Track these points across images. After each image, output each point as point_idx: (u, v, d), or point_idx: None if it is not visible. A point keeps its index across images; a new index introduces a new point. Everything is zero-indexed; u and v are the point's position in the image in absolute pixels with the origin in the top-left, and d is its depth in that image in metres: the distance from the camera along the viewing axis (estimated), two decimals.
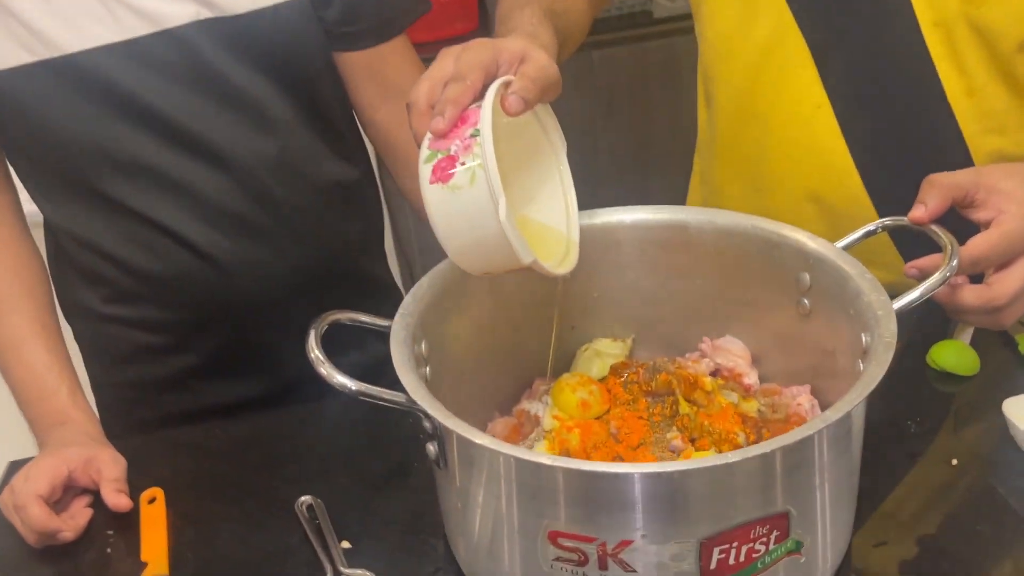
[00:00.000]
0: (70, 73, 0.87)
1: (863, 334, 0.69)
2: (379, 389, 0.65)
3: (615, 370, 0.82)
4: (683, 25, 1.89)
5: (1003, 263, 0.74)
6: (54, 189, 0.95)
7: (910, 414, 0.85)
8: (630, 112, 2.13)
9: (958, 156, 0.86)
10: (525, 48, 0.68)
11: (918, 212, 0.73)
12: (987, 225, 0.74)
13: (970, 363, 0.90)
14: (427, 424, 0.65)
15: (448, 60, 0.68)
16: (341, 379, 0.64)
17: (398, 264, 1.98)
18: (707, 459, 0.55)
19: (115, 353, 1.02)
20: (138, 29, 0.87)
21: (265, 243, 0.97)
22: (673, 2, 2.09)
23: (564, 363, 0.89)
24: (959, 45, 0.84)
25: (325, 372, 0.64)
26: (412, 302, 0.74)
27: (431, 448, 0.66)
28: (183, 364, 1.01)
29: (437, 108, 0.65)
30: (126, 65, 0.88)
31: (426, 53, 0.87)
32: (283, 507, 0.82)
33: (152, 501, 0.84)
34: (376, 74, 1.00)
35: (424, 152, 0.65)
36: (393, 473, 0.85)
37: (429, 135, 0.66)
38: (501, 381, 0.87)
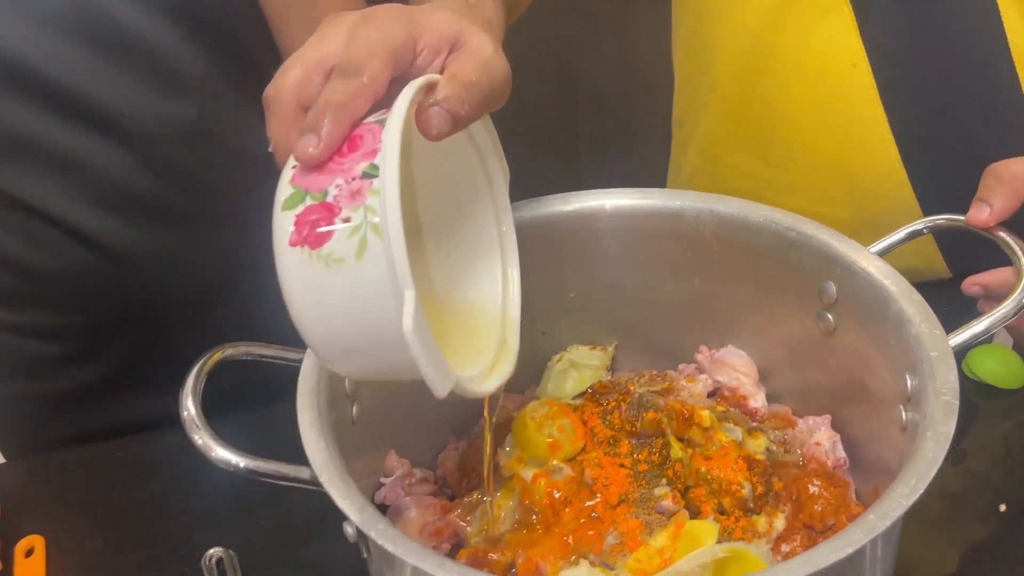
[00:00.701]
0: None
1: (908, 376, 0.54)
2: (278, 466, 0.49)
3: (593, 396, 0.67)
4: None
5: None
6: None
7: None
8: (614, 38, 1.94)
9: (1020, 131, 0.70)
10: (459, 30, 0.45)
11: (981, 214, 0.57)
12: None
13: (1016, 372, 0.75)
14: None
15: (337, 35, 0.44)
16: (223, 453, 0.48)
17: None
18: None
19: (5, 365, 0.86)
20: None
21: (180, 230, 0.80)
22: None
23: (532, 374, 0.74)
24: None
25: (201, 442, 0.48)
26: None
27: (349, 530, 0.51)
28: (89, 376, 0.85)
29: (311, 117, 0.42)
30: None
31: None
32: (187, 560, 0.68)
33: (30, 553, 0.69)
34: (308, 12, 0.81)
35: (284, 188, 0.42)
36: (325, 516, 0.70)
37: (293, 160, 0.43)
38: (458, 398, 0.71)
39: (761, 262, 0.65)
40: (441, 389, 0.43)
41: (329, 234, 0.40)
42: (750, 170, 0.81)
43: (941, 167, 0.66)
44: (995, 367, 0.75)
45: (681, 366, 0.73)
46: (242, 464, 0.49)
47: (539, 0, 0.46)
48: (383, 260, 0.39)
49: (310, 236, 0.40)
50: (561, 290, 0.71)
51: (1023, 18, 0.66)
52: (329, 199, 0.40)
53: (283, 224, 0.41)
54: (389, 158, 0.40)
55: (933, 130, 0.72)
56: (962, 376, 0.74)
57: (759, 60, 0.77)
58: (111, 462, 0.79)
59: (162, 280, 0.81)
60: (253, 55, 0.81)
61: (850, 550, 0.41)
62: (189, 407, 0.50)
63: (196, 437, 0.49)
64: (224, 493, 0.74)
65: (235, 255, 0.84)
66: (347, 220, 0.40)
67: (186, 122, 0.77)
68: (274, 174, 0.88)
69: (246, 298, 0.85)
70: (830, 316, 0.62)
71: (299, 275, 0.41)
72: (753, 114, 0.79)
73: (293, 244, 0.41)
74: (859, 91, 0.72)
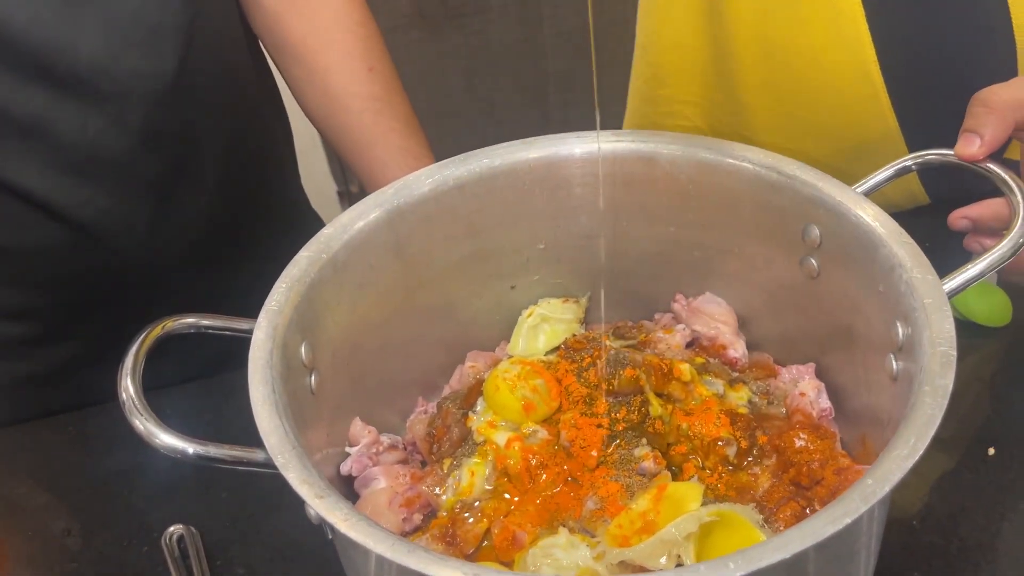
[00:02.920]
0: None
1: (899, 324, 0.51)
2: (230, 449, 0.45)
3: (567, 352, 0.63)
4: None
5: None
6: None
7: None
8: None
9: (1006, 58, 0.66)
10: None
11: (971, 147, 0.53)
12: None
13: (1000, 310, 0.73)
14: None
15: None
16: (168, 439, 0.44)
17: (330, 170, 1.73)
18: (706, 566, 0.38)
19: None
20: None
21: (157, 196, 0.73)
22: None
23: (503, 330, 0.70)
24: None
25: (143, 428, 0.44)
26: (285, 292, 0.54)
27: (312, 513, 0.47)
28: (64, 355, 0.79)
29: None
30: None
31: None
32: (147, 538, 0.65)
33: None
34: None
35: None
36: (290, 487, 0.67)
37: None
38: (425, 358, 0.68)
39: (740, 205, 0.62)
40: None
41: None
42: (722, 102, 0.77)
43: (927, 98, 0.62)
44: (980, 304, 0.72)
45: (657, 316, 0.70)
46: (190, 450, 0.45)
47: None
48: None
49: None
50: (530, 241, 0.68)
51: None
52: None
53: None
54: None
55: (919, 54, 0.68)
56: None
57: None
58: (63, 438, 0.75)
59: (139, 251, 0.74)
60: None
61: (848, 520, 0.38)
62: (129, 389, 0.45)
63: (137, 423, 0.45)
64: (184, 466, 0.70)
65: (214, 215, 0.78)
66: None
67: (164, 77, 0.70)
68: (250, 125, 0.81)
69: (228, 268, 0.80)
70: (814, 260, 0.59)
71: None
72: (723, 34, 0.73)
73: None
74: (848, 21, 0.66)
